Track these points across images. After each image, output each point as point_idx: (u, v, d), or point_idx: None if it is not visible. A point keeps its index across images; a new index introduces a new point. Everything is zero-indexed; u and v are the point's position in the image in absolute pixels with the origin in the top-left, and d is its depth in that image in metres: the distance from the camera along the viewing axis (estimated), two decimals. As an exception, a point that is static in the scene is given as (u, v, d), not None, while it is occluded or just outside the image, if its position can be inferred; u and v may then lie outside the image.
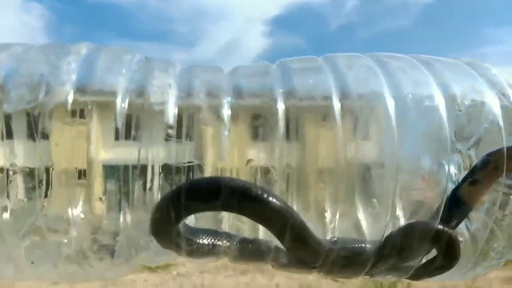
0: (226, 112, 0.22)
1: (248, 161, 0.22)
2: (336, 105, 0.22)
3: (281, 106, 0.22)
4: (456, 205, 0.23)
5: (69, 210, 0.21)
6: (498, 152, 0.22)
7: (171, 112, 0.21)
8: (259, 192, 0.21)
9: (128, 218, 0.22)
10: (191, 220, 0.22)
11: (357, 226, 0.23)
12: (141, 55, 0.24)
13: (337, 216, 0.23)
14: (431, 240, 0.22)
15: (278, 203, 0.21)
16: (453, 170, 0.23)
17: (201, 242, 0.22)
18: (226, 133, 0.21)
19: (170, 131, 0.21)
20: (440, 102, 0.22)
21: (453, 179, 0.23)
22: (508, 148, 0.22)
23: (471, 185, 0.22)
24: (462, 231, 0.24)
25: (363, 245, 0.23)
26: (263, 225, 0.21)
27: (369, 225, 0.23)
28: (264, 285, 2.01)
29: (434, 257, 0.23)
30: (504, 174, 0.22)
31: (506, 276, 2.10)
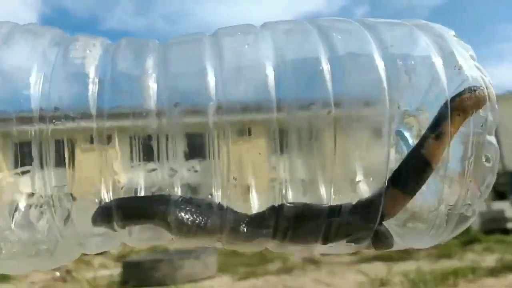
0: (152, 85, 0.21)
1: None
2: (270, 74, 0.21)
3: (211, 80, 0.21)
4: (421, 166, 0.22)
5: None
6: (457, 97, 0.21)
7: (92, 64, 0.20)
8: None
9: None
10: None
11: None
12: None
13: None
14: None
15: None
16: (408, 134, 0.23)
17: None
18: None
19: (91, 85, 0.20)
20: (379, 63, 0.21)
21: (410, 143, 0.22)
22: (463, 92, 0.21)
23: (437, 139, 0.21)
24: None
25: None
26: None
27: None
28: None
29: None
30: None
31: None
